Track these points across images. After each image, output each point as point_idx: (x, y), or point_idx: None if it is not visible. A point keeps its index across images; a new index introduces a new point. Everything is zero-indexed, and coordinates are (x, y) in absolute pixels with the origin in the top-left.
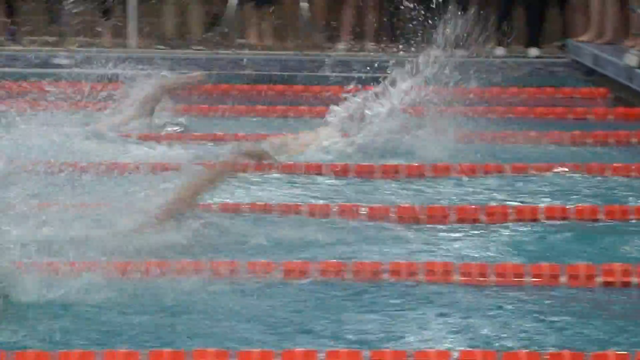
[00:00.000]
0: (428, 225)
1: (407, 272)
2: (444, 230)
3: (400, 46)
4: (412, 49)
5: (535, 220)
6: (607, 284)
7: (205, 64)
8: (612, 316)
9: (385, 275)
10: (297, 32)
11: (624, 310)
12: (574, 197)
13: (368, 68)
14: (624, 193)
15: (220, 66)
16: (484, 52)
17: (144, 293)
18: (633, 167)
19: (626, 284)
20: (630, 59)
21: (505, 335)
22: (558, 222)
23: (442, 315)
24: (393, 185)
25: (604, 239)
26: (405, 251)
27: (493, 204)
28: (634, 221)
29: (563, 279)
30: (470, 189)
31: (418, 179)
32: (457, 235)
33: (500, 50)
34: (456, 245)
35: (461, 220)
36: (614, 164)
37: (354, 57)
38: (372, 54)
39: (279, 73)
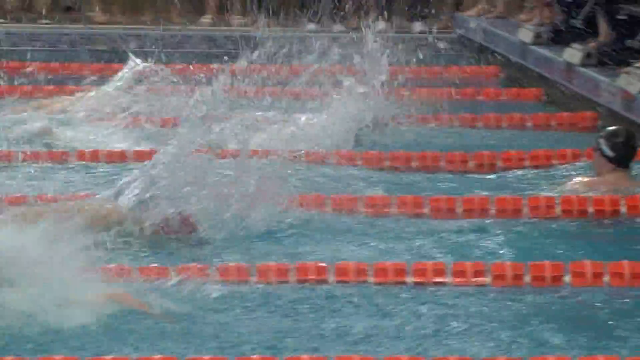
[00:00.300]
0: (301, 217)
1: (277, 273)
2: (319, 223)
3: (269, 20)
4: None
5: (419, 214)
6: (497, 284)
7: (51, 40)
8: (503, 320)
9: (253, 279)
10: (154, 4)
11: (515, 313)
12: (461, 188)
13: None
14: (517, 184)
15: (70, 42)
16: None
17: None
18: (527, 155)
19: (518, 280)
20: (525, 35)
21: (385, 338)
22: (445, 217)
23: (312, 316)
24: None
25: (494, 236)
26: (278, 252)
27: (372, 194)
28: (526, 216)
29: (448, 279)
30: (345, 180)
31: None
32: (335, 230)
33: (381, 24)
34: (331, 244)
35: (339, 211)
36: (507, 152)
37: (219, 32)
38: (238, 28)
39: (137, 49)
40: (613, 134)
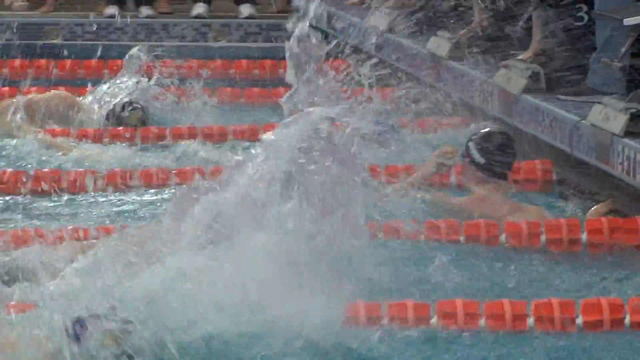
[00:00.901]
0: None
1: None
2: None
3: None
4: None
5: None
6: (352, 324)
7: None
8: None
9: None
10: None
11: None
12: None
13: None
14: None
15: None
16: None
17: None
18: (381, 170)
19: (374, 322)
20: (380, 20)
21: None
22: None
23: None
24: None
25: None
26: None
27: None
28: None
29: None
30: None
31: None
32: None
33: (200, 7)
34: None
35: None
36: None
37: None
38: (19, 13)
39: None
40: (485, 136)
